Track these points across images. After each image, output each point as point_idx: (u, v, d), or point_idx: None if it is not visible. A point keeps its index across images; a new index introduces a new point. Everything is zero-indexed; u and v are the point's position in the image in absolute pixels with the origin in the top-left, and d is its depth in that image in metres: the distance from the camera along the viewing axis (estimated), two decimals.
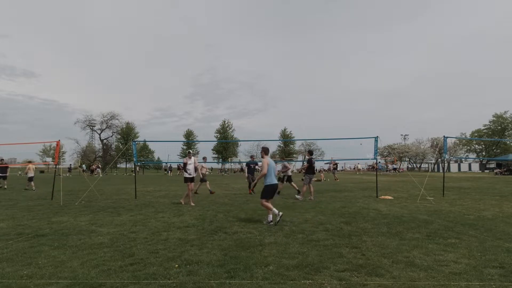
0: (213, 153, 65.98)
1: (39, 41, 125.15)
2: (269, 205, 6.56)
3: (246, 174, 13.91)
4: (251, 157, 15.31)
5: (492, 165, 50.86)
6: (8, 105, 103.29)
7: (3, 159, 18.02)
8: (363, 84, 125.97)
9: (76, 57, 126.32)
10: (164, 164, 47.57)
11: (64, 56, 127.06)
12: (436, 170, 52.32)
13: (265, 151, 6.88)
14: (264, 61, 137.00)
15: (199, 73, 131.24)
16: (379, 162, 48.45)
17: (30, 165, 16.59)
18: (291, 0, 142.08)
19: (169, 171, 45.55)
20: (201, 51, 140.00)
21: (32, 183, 15.84)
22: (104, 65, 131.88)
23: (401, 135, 66.99)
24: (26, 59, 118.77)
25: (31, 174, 16.05)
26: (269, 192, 6.73)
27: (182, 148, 65.38)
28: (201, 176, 12.57)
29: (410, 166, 61.72)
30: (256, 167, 14.49)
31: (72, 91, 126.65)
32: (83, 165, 48.17)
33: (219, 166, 64.14)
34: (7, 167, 17.00)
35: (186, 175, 9.64)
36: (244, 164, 16.83)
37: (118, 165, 57.69)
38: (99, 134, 65.72)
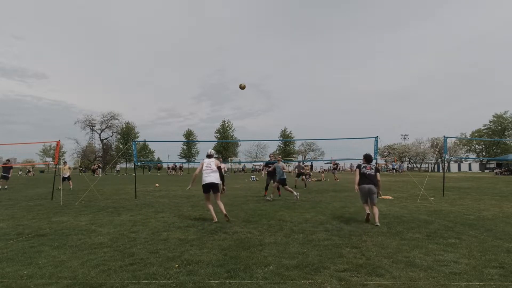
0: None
1: (51, 42, 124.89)
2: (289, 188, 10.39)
3: (265, 176, 12.70)
4: (271, 156, 13.64)
5: (492, 165, 50.80)
6: (16, 106, 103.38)
7: (9, 160, 18.07)
8: (365, 85, 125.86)
9: (86, 58, 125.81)
10: (171, 163, 47.30)
11: (73, 57, 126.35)
12: (436, 170, 52.33)
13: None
14: (271, 62, 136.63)
15: (207, 74, 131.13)
16: (394, 164, 48.54)
17: (66, 166, 16.86)
18: (299, 2, 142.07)
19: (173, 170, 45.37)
20: (211, 53, 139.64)
21: (70, 182, 16.20)
22: (112, 65, 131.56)
23: (401, 135, 67.04)
24: (38, 61, 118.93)
25: (65, 174, 16.22)
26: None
27: (182, 148, 65.40)
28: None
29: (410, 166, 61.70)
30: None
31: (80, 92, 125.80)
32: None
33: None
34: (10, 168, 17.11)
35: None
36: (262, 164, 15.93)
37: (118, 165, 57.73)
38: (99, 134, 65.77)
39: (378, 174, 6.69)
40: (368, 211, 6.53)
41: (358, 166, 6.90)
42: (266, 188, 12.21)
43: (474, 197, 11.36)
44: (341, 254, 4.33)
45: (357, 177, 6.74)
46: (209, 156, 7.22)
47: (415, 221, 6.73)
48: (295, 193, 10.66)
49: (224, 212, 6.70)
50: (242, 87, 10.44)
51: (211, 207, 6.83)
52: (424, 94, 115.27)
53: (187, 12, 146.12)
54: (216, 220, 6.60)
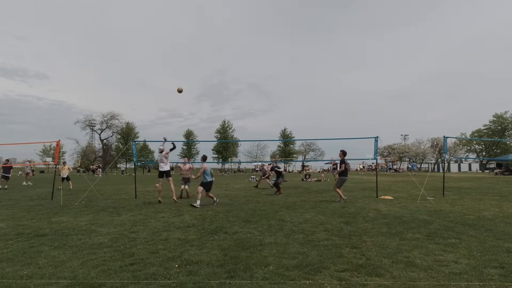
0: (213, 153, 65.93)
1: (51, 42, 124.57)
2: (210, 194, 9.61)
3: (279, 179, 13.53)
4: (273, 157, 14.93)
5: (492, 165, 50.82)
6: (17, 106, 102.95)
7: (8, 160, 18.07)
8: (366, 85, 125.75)
9: (86, 58, 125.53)
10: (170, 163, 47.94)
11: (74, 57, 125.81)
12: (436, 170, 52.31)
13: (204, 158, 9.62)
14: (271, 62, 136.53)
15: (208, 74, 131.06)
16: (391, 164, 48.50)
17: (66, 166, 16.75)
18: (299, 2, 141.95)
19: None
20: (211, 53, 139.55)
21: (69, 182, 16.12)
22: (112, 65, 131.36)
23: (401, 135, 67.09)
24: (38, 61, 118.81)
25: (64, 174, 16.11)
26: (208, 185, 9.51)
27: (182, 148, 65.38)
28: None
29: (409, 166, 61.72)
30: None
31: (80, 92, 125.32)
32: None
33: (219, 166, 64.04)
34: (10, 168, 17.14)
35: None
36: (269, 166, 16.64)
37: (118, 165, 57.74)
38: (99, 134, 65.75)
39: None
40: (344, 196, 10.16)
41: (345, 162, 10.18)
42: (278, 188, 13.03)
43: (474, 197, 11.36)
44: (341, 254, 4.33)
45: (343, 169, 10.09)
46: (161, 151, 9.76)
47: (415, 221, 6.73)
48: (214, 198, 9.82)
49: (174, 196, 9.61)
50: (180, 91, 10.34)
51: (160, 190, 9.42)
52: (424, 94, 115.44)
53: (188, 12, 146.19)
54: (160, 200, 9.12)
